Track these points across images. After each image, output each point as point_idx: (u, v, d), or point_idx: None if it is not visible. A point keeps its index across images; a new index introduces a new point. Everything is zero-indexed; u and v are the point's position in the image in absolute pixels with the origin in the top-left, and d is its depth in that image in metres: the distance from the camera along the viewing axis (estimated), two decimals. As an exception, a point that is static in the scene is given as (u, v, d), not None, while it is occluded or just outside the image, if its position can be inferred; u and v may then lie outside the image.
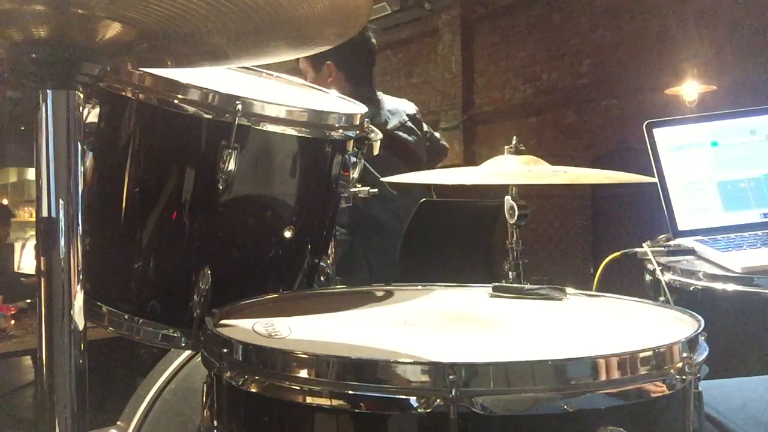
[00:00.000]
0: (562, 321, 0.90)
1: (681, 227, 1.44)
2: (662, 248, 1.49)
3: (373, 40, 2.35)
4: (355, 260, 2.18)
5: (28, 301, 3.99)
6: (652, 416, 0.67)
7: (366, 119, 1.12)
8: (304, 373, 0.65)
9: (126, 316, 1.02)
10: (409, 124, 2.35)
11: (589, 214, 8.01)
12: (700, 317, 0.78)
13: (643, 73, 7.28)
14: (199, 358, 0.90)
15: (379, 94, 2.36)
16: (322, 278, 1.16)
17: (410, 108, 2.40)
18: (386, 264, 2.15)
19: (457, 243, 2.30)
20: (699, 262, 1.42)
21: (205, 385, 0.77)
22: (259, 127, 0.97)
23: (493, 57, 9.08)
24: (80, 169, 0.72)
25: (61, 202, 0.70)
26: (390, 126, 2.28)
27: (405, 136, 2.31)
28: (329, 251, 1.19)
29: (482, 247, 2.39)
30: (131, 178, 1.00)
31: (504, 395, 0.60)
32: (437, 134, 2.57)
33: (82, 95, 0.71)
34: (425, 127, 2.46)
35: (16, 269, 5.83)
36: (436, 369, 0.61)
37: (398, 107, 2.36)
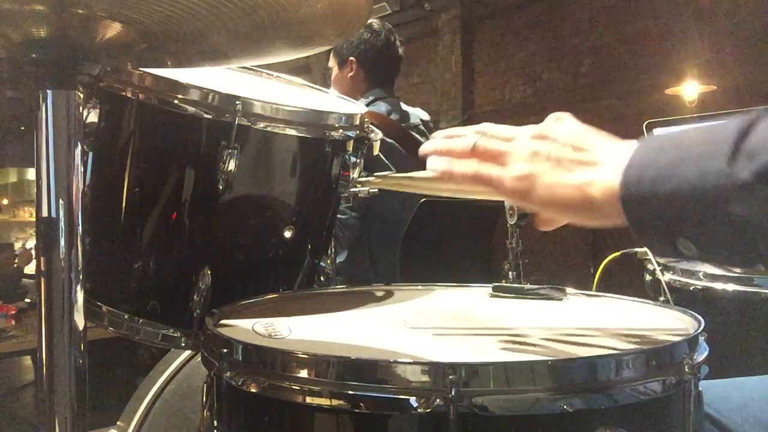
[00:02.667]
0: (562, 321, 0.90)
1: (681, 227, 1.43)
2: (662, 248, 1.48)
3: (400, 50, 2.44)
4: (361, 248, 2.21)
5: (28, 300, 3.99)
6: (652, 416, 0.67)
7: (366, 119, 1.11)
8: (304, 373, 0.65)
9: (126, 316, 1.02)
10: (422, 127, 2.45)
11: (589, 214, 7.98)
12: (700, 317, 0.78)
13: (643, 73, 7.28)
14: (199, 358, 0.90)
15: (397, 96, 2.45)
16: (322, 278, 1.16)
17: (424, 115, 2.54)
18: (386, 250, 2.18)
19: (457, 243, 2.31)
20: (699, 262, 1.42)
21: (205, 385, 0.77)
22: (259, 127, 0.97)
23: (493, 57, 9.08)
24: (80, 169, 0.72)
25: (61, 202, 0.70)
26: (404, 125, 2.36)
27: (418, 137, 2.39)
28: (329, 251, 1.20)
29: (482, 247, 2.39)
30: (131, 178, 1.00)
31: (504, 395, 0.60)
32: None
33: (82, 95, 0.71)
34: None
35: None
36: (435, 369, 0.61)
37: (414, 111, 2.49)
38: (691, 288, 1.41)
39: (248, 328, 0.82)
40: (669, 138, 0.63)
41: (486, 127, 0.77)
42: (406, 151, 2.29)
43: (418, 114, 2.48)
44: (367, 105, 2.30)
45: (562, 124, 0.73)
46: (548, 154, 0.70)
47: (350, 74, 2.37)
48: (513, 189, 0.71)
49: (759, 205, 0.56)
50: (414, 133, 2.38)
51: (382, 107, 2.34)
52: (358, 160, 1.10)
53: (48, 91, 0.70)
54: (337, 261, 2.18)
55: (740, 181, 0.56)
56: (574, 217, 0.69)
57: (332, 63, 2.42)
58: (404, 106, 2.46)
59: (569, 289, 1.04)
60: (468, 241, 2.35)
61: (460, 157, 0.76)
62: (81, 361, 0.72)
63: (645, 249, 1.55)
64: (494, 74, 9.04)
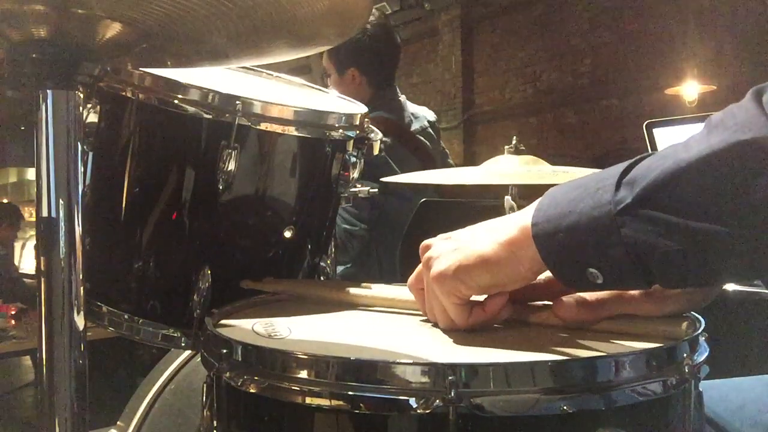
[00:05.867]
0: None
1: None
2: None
3: (398, 41, 2.39)
4: (369, 256, 2.20)
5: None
6: (652, 417, 0.67)
7: (366, 119, 1.11)
8: (303, 374, 0.65)
9: (126, 316, 1.02)
10: (429, 130, 2.42)
11: (589, 214, 7.99)
12: (700, 317, 0.78)
13: (643, 73, 7.29)
14: (199, 358, 0.90)
15: (402, 97, 2.41)
16: (322, 278, 1.16)
17: (431, 116, 2.48)
18: (395, 261, 2.17)
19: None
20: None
21: (204, 385, 0.77)
22: (259, 127, 0.97)
23: (493, 57, 9.09)
24: (80, 169, 0.72)
25: (61, 202, 0.70)
26: (413, 129, 2.34)
27: (425, 140, 2.36)
28: (329, 251, 1.20)
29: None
30: (131, 178, 1.00)
31: (503, 396, 0.60)
32: (448, 151, 2.64)
33: (82, 95, 0.72)
34: (441, 143, 2.53)
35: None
36: (435, 370, 0.61)
37: (420, 113, 2.44)
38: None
39: (248, 328, 0.82)
40: (571, 182, 0.72)
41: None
42: (411, 153, 2.28)
43: (425, 115, 2.44)
44: (374, 109, 2.27)
45: (452, 233, 0.81)
46: (445, 250, 0.77)
47: (352, 83, 2.31)
48: (446, 287, 0.76)
49: (644, 224, 0.64)
50: (421, 137, 2.36)
51: (391, 112, 2.32)
52: (358, 160, 1.10)
53: (48, 91, 0.70)
54: (343, 268, 2.18)
55: (624, 205, 0.64)
56: (500, 274, 0.74)
57: (327, 65, 2.36)
58: (411, 107, 2.42)
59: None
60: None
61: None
62: (81, 361, 0.72)
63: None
64: (494, 74, 9.05)
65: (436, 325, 0.82)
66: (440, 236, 0.81)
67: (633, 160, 0.68)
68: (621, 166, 0.68)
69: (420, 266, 0.82)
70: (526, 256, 0.71)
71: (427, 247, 0.80)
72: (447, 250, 0.77)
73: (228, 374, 0.70)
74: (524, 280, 0.75)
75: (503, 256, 0.72)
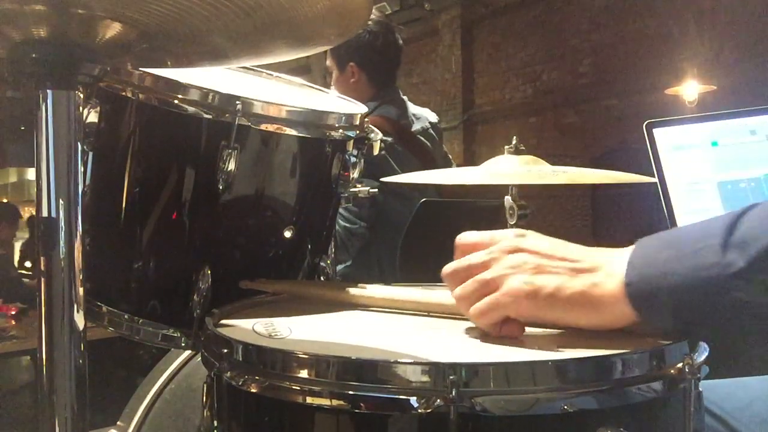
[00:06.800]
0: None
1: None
2: (662, 248, 1.48)
3: (399, 42, 2.39)
4: (369, 255, 2.20)
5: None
6: (652, 416, 0.67)
7: (366, 119, 1.11)
8: (304, 374, 0.65)
9: (126, 316, 1.02)
10: (431, 131, 2.42)
11: (589, 214, 8.02)
12: (700, 317, 0.78)
13: (643, 73, 7.29)
14: (199, 358, 0.90)
15: (404, 97, 2.42)
16: (322, 278, 1.16)
17: (432, 117, 2.48)
18: (395, 261, 2.17)
19: (457, 243, 2.30)
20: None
21: (205, 385, 0.77)
22: (259, 127, 0.97)
23: (493, 57, 9.09)
24: (80, 169, 0.72)
25: (61, 202, 0.70)
26: (413, 129, 2.34)
27: (425, 141, 2.36)
28: (329, 251, 1.20)
29: (483, 247, 2.39)
30: (131, 178, 1.00)
31: (504, 395, 0.60)
32: (450, 156, 2.64)
33: (82, 95, 0.71)
34: (444, 147, 2.53)
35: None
36: (436, 369, 0.61)
37: (422, 113, 2.45)
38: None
39: (248, 328, 0.82)
40: (662, 238, 0.69)
41: (459, 240, 0.82)
42: (412, 154, 2.28)
43: (426, 116, 2.45)
44: (375, 108, 2.27)
45: (530, 238, 0.77)
46: (536, 266, 0.73)
47: (352, 80, 2.33)
48: (516, 305, 0.72)
49: (758, 287, 0.62)
50: (422, 138, 2.37)
51: (392, 112, 2.32)
52: (358, 160, 1.10)
53: (48, 91, 0.69)
54: (343, 267, 2.18)
55: (737, 269, 0.62)
56: (579, 319, 0.72)
57: (330, 63, 2.38)
58: (412, 108, 2.43)
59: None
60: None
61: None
62: (81, 361, 0.72)
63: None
64: (494, 74, 9.05)
65: (435, 324, 0.82)
66: (515, 236, 0.76)
67: (735, 215, 0.65)
68: (721, 223, 0.65)
69: (492, 237, 0.77)
70: (615, 312, 0.70)
71: (512, 249, 0.75)
72: (538, 267, 0.73)
73: (229, 374, 0.70)
74: (593, 328, 0.73)
75: (590, 305, 0.71)
